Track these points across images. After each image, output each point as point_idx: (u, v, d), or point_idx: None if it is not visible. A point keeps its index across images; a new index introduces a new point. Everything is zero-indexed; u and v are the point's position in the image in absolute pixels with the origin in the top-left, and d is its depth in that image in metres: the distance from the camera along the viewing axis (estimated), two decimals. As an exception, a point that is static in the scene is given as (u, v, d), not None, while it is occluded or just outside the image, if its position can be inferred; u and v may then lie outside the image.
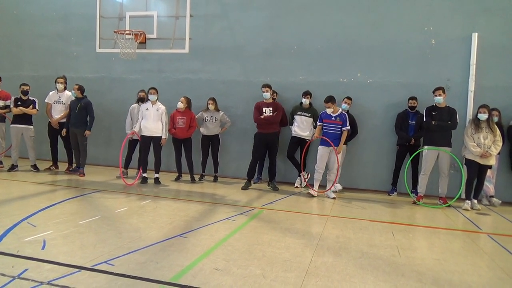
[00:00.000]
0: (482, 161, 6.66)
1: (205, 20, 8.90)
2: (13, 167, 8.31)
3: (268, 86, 7.60)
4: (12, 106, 8.38)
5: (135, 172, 8.59)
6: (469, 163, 6.77)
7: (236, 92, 8.82)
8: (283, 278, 3.36)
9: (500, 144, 6.70)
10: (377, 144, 8.16)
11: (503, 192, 7.44)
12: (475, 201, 6.84)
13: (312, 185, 7.33)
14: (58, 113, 8.41)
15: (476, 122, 6.72)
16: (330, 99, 7.13)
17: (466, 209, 6.68)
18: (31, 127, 8.39)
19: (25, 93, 8.38)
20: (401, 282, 3.43)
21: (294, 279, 3.36)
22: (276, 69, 8.64)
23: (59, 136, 8.52)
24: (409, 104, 7.63)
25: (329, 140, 7.01)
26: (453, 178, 7.39)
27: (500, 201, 7.16)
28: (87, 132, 8.12)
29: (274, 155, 7.75)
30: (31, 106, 8.30)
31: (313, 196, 7.17)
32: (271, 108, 7.55)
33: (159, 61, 9.34)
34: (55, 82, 8.49)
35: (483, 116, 6.69)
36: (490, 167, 6.85)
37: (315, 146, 7.99)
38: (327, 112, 7.19)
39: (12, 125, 8.34)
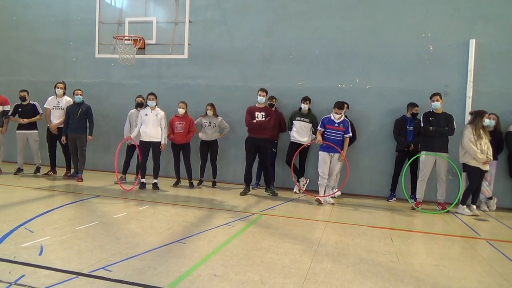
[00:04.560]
0: (483, 167, 6.69)
1: (204, 26, 8.93)
2: (19, 170, 8.52)
3: (266, 91, 7.64)
4: (10, 113, 8.58)
5: (133, 178, 8.59)
6: (473, 170, 6.71)
7: (235, 97, 8.84)
8: (281, 284, 3.34)
9: (491, 148, 6.74)
10: (376, 149, 8.17)
11: (501, 198, 7.45)
12: (474, 206, 6.84)
13: (311, 191, 7.32)
14: (57, 118, 8.43)
15: (480, 128, 6.69)
16: (343, 105, 7.15)
17: (463, 214, 6.72)
18: (36, 131, 8.63)
19: (22, 99, 8.55)
20: (400, 288, 3.43)
21: (292, 285, 3.34)
22: (275, 75, 8.67)
23: (57, 142, 8.53)
24: (413, 111, 7.60)
25: (334, 145, 6.96)
26: (451, 183, 7.40)
27: (496, 199, 7.25)
28: (89, 137, 8.19)
29: (267, 160, 7.70)
30: (37, 116, 8.59)
31: (320, 202, 7.05)
32: (263, 113, 7.54)
33: (158, 67, 9.36)
34: (55, 87, 8.51)
35: (492, 122, 6.84)
36: (486, 171, 6.88)
37: (313, 152, 8.00)
38: (333, 117, 7.10)
39: (18, 131, 8.57)
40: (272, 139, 8.06)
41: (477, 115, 6.73)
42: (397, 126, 7.70)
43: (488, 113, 6.82)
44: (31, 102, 8.63)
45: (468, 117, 7.14)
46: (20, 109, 8.55)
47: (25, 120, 8.46)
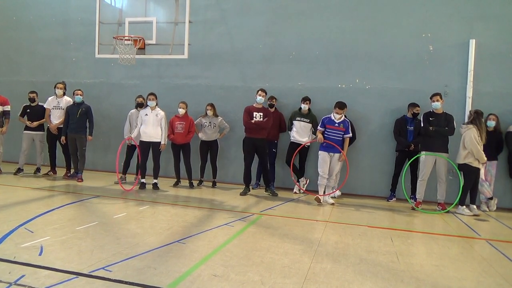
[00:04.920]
0: (480, 166, 6.73)
1: (204, 26, 8.93)
2: (19, 170, 8.52)
3: (265, 91, 7.64)
4: (19, 113, 8.65)
5: (133, 178, 8.59)
6: (474, 171, 6.70)
7: (235, 97, 8.83)
8: (281, 285, 3.34)
9: None
10: (376, 150, 8.17)
11: (501, 198, 7.45)
12: (474, 206, 6.85)
13: (311, 192, 7.31)
14: (57, 118, 8.43)
15: (483, 129, 6.70)
16: (344, 106, 7.13)
17: (463, 214, 6.73)
18: (42, 133, 8.68)
19: (32, 100, 8.61)
20: (400, 289, 3.43)
21: (292, 285, 3.34)
22: (275, 75, 8.67)
23: (57, 142, 8.53)
24: (414, 111, 7.61)
25: (335, 144, 6.96)
26: (451, 184, 7.39)
27: (496, 200, 7.24)
28: (89, 137, 8.18)
29: (265, 161, 7.70)
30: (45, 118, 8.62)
31: (320, 202, 7.03)
32: (261, 114, 7.54)
33: (158, 67, 9.36)
34: (55, 87, 8.51)
35: (492, 123, 6.95)
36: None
37: (313, 152, 8.00)
38: (333, 117, 7.11)
39: (24, 132, 8.60)
40: (272, 139, 8.06)
41: (479, 115, 6.71)
42: (398, 126, 7.70)
43: (493, 115, 6.87)
44: (40, 103, 8.66)
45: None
46: (28, 110, 8.60)
47: (35, 124, 8.48)
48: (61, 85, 8.51)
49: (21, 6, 10.41)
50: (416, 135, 7.46)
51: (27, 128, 8.59)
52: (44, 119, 8.60)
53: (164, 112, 7.76)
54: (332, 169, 7.11)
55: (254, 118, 7.49)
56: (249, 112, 7.53)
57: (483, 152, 6.59)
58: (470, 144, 6.59)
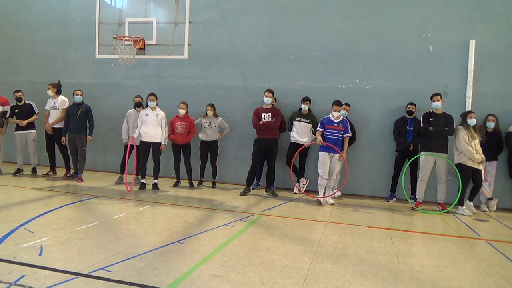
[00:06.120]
0: (478, 166, 6.75)
1: (204, 26, 8.94)
2: (18, 171, 8.52)
3: (272, 91, 7.65)
4: (8, 115, 8.59)
5: (131, 178, 8.59)
6: (467, 170, 6.74)
7: (235, 97, 8.84)
8: (281, 285, 3.34)
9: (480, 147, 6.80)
10: (376, 150, 8.17)
11: (501, 198, 7.45)
12: (471, 203, 6.88)
13: (311, 192, 7.30)
14: (54, 118, 8.43)
15: (472, 129, 6.76)
16: (341, 103, 7.16)
17: (463, 214, 6.74)
18: (34, 131, 8.63)
19: (18, 99, 8.55)
20: (400, 289, 3.43)
21: (292, 285, 3.34)
22: (275, 75, 8.67)
23: (55, 142, 8.52)
24: (408, 109, 7.64)
25: (334, 146, 6.97)
26: (451, 184, 7.39)
27: (496, 200, 7.25)
28: (89, 138, 8.18)
29: (273, 161, 7.74)
30: (34, 116, 8.59)
31: (320, 203, 7.03)
32: (270, 114, 7.55)
33: (158, 67, 9.36)
34: None
35: (491, 124, 7.03)
36: (480, 170, 6.92)
37: (313, 152, 8.00)
38: (332, 117, 7.14)
39: (16, 132, 8.58)
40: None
41: (465, 116, 6.84)
42: (397, 127, 7.70)
43: (474, 113, 6.87)
44: (27, 102, 8.63)
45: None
46: (17, 110, 8.55)
47: (24, 122, 8.45)
48: (49, 86, 8.47)
49: (21, 6, 10.41)
50: (416, 136, 7.47)
51: (17, 128, 8.55)
52: (34, 117, 8.55)
53: (164, 112, 7.76)
54: (332, 169, 7.11)
55: (263, 119, 7.51)
56: (257, 114, 7.56)
57: (473, 151, 6.63)
58: (459, 145, 6.74)
